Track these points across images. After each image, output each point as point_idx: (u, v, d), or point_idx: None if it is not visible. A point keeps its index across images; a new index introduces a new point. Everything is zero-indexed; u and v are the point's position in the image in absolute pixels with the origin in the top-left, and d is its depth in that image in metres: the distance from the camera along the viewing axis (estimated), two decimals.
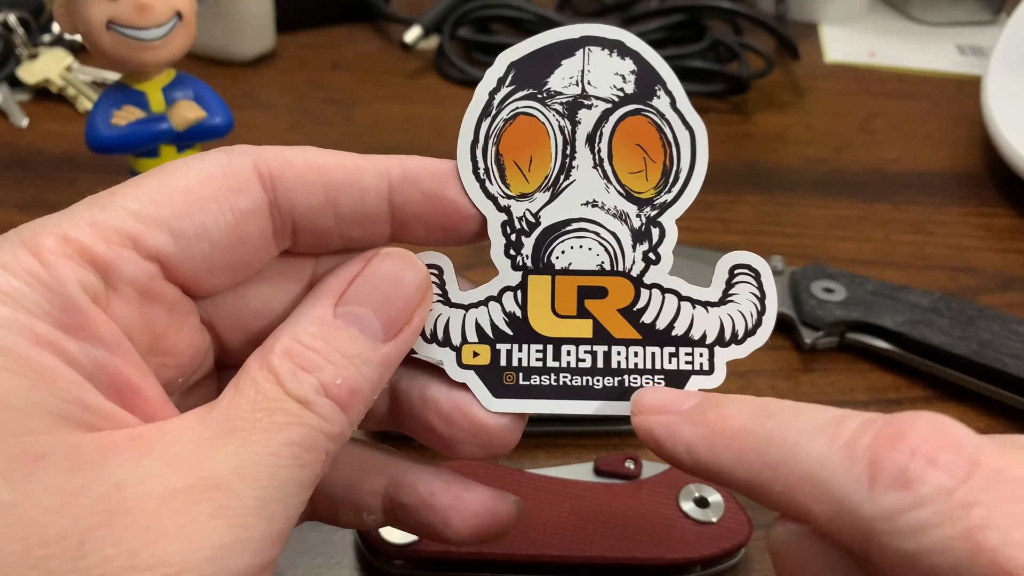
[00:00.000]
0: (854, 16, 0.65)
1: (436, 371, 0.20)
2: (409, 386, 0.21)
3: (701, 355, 0.20)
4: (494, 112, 0.20)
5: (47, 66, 0.51)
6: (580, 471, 0.28)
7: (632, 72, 0.20)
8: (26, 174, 0.44)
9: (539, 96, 0.20)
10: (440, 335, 0.20)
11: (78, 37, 0.31)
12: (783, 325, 0.36)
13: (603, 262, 0.20)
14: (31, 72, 0.51)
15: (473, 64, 0.56)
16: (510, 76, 0.20)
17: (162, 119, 0.32)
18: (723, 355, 0.20)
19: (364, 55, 0.58)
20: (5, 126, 0.48)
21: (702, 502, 0.27)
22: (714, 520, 0.27)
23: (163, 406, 0.17)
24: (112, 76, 0.50)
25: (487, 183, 0.20)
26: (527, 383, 0.20)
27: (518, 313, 0.20)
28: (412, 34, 0.57)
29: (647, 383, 0.20)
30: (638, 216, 0.20)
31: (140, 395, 0.17)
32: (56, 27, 0.54)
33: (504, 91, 0.20)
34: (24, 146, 0.47)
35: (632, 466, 0.28)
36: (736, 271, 0.20)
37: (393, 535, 0.26)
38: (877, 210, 0.45)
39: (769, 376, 0.35)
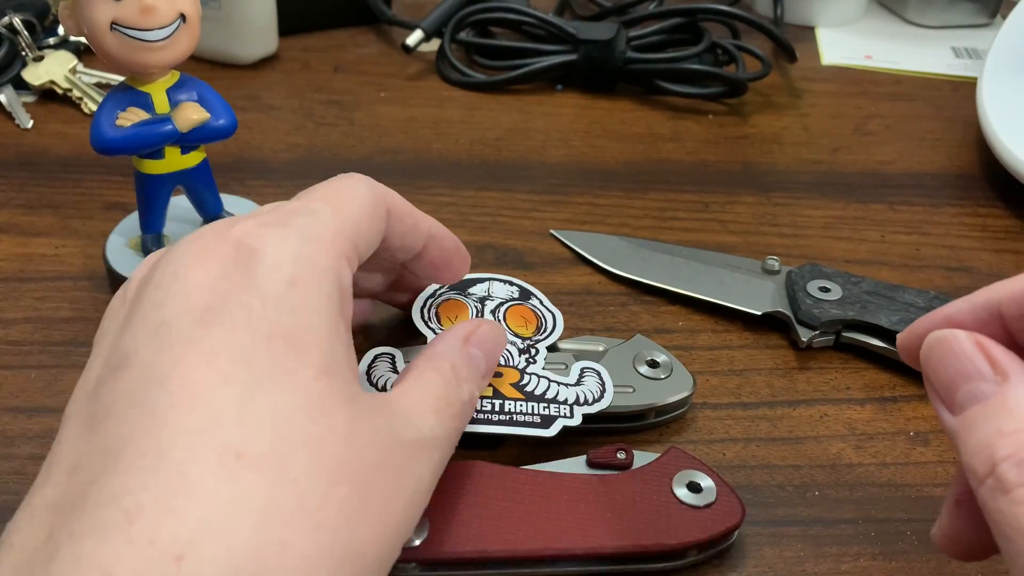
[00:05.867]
0: (850, 19, 0.66)
1: None
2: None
3: (565, 409, 0.29)
4: (436, 295, 0.33)
5: (52, 68, 0.51)
6: (573, 465, 0.28)
7: (517, 292, 0.34)
8: (31, 175, 0.45)
9: (462, 293, 0.33)
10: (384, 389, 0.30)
11: (83, 39, 0.32)
12: (779, 324, 0.37)
13: (500, 361, 0.31)
14: (36, 74, 0.51)
15: (474, 67, 0.56)
16: (445, 287, 0.33)
17: (166, 120, 0.32)
18: (579, 410, 0.29)
19: (366, 58, 0.58)
20: (10, 127, 0.49)
21: (695, 487, 0.28)
22: (707, 504, 0.27)
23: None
24: (117, 78, 0.50)
25: (429, 323, 0.32)
26: None
27: None
28: (413, 37, 0.57)
29: (528, 420, 0.29)
30: (523, 344, 0.32)
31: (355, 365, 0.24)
32: (61, 29, 0.54)
33: (443, 289, 0.33)
34: (29, 147, 0.47)
35: (623, 456, 0.28)
36: (584, 370, 0.31)
37: None
38: (873, 211, 0.45)
39: (766, 374, 0.35)
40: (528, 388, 0.30)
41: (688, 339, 0.37)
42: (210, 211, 0.37)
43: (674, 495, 0.27)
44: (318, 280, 0.23)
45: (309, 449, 0.20)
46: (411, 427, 0.23)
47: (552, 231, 0.42)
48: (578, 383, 0.30)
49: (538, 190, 0.46)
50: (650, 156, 0.49)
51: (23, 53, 0.52)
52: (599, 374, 0.31)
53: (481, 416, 0.29)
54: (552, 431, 0.28)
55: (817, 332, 0.35)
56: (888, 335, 0.35)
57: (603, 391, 0.30)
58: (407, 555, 0.26)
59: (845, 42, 0.63)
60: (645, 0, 0.59)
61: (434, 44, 0.58)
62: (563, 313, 0.33)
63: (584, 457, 0.29)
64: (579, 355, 0.32)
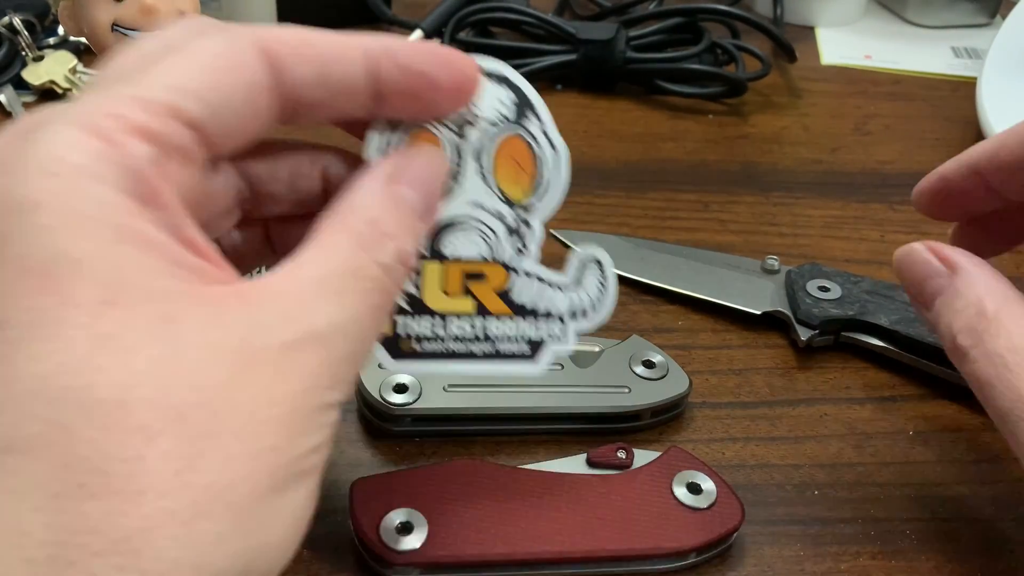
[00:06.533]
0: (850, 19, 0.66)
1: None
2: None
3: (556, 327, 0.25)
4: (397, 130, 0.23)
5: (52, 68, 0.51)
6: (574, 464, 0.28)
7: (511, 100, 0.23)
8: None
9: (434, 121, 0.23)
10: None
11: (83, 39, 0.32)
12: (779, 323, 0.37)
13: (483, 252, 0.24)
14: (36, 74, 0.51)
15: None
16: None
17: None
18: (572, 327, 0.25)
19: None
20: None
21: (695, 488, 0.28)
22: (707, 506, 0.27)
23: (222, 260, 0.19)
24: None
25: None
26: (420, 348, 0.24)
27: (415, 292, 0.24)
28: (413, 37, 0.57)
29: (514, 349, 0.25)
30: (512, 216, 0.24)
31: (205, 254, 0.19)
32: (61, 29, 0.54)
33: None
34: None
35: (623, 455, 0.28)
36: (585, 264, 0.25)
37: (399, 543, 0.26)
38: (872, 210, 0.45)
39: (765, 374, 0.35)
40: (516, 297, 0.24)
41: (688, 338, 0.37)
42: None
43: (674, 496, 0.27)
44: (75, 181, 0.17)
45: (92, 413, 0.16)
46: (291, 322, 0.18)
47: (551, 230, 0.42)
48: (576, 284, 0.25)
49: None
50: (650, 156, 0.49)
51: (23, 53, 0.52)
52: (601, 267, 0.25)
53: (461, 348, 0.24)
54: (540, 365, 0.25)
55: (816, 331, 0.35)
56: (888, 334, 0.35)
57: (603, 293, 0.25)
58: (407, 559, 0.26)
59: (845, 42, 0.63)
60: (645, 0, 0.59)
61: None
62: None
63: (584, 456, 0.29)
64: (574, 357, 0.32)
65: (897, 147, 0.51)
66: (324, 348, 0.18)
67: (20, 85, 0.51)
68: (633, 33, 0.55)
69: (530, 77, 0.59)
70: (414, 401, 0.30)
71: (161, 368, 0.16)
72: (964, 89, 0.57)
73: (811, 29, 0.65)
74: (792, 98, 0.56)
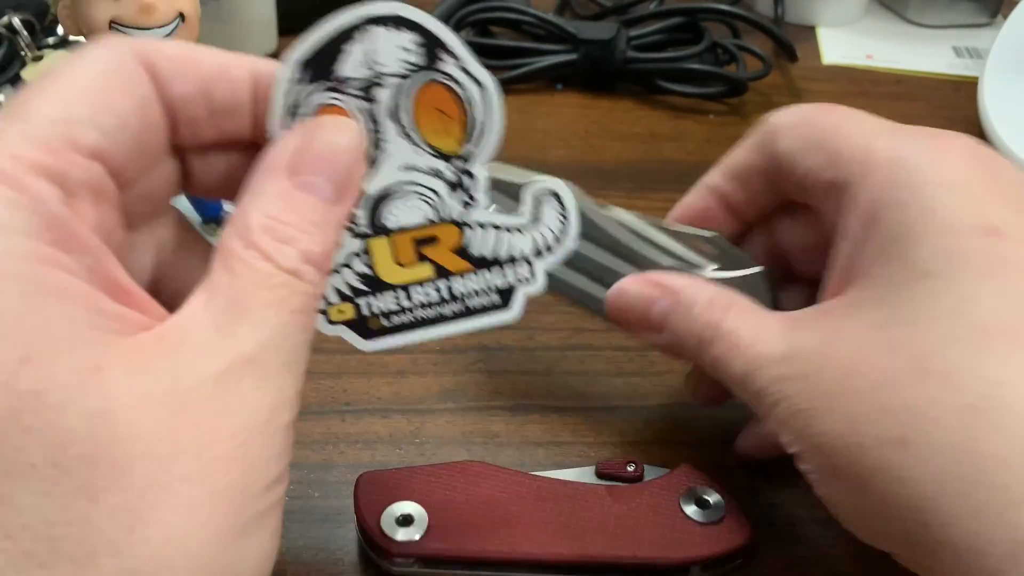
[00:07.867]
0: (851, 18, 0.66)
1: None
2: None
3: (524, 269, 0.24)
4: (299, 111, 0.21)
5: (52, 68, 0.51)
6: (582, 474, 0.28)
7: (416, 43, 0.21)
8: None
9: (333, 86, 0.21)
10: None
11: (82, 39, 0.32)
12: None
13: (428, 215, 0.23)
14: (35, 74, 0.51)
15: None
16: (299, 74, 0.21)
17: None
18: (540, 265, 0.24)
19: None
20: None
21: (703, 503, 0.27)
22: (714, 521, 0.27)
23: (148, 300, 0.19)
24: None
25: None
26: (389, 324, 0.23)
27: (368, 272, 0.23)
28: None
29: (485, 302, 0.24)
30: (450, 169, 0.22)
31: (129, 294, 0.18)
32: (60, 29, 0.54)
33: (297, 89, 0.21)
34: None
35: (633, 469, 0.28)
36: (539, 197, 0.24)
37: (399, 533, 0.26)
38: None
39: None
40: (474, 250, 0.23)
41: None
42: (209, 211, 0.37)
43: (681, 510, 0.27)
44: None
45: (28, 478, 0.15)
46: (216, 354, 0.17)
47: None
48: (535, 221, 0.24)
49: None
50: (651, 156, 0.49)
51: (22, 53, 0.52)
52: (557, 198, 0.24)
53: (431, 313, 0.23)
54: (514, 311, 0.24)
55: None
56: None
57: (565, 224, 0.24)
58: (406, 549, 0.25)
59: (846, 41, 0.63)
60: (645, 0, 0.59)
61: None
62: (563, 313, 0.33)
63: (593, 467, 0.29)
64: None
65: None
66: (257, 369, 0.18)
67: (20, 85, 0.51)
68: (634, 33, 0.55)
69: (530, 77, 0.59)
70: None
71: (92, 423, 0.15)
72: (966, 89, 0.56)
73: (812, 29, 0.65)
74: (793, 98, 0.56)
